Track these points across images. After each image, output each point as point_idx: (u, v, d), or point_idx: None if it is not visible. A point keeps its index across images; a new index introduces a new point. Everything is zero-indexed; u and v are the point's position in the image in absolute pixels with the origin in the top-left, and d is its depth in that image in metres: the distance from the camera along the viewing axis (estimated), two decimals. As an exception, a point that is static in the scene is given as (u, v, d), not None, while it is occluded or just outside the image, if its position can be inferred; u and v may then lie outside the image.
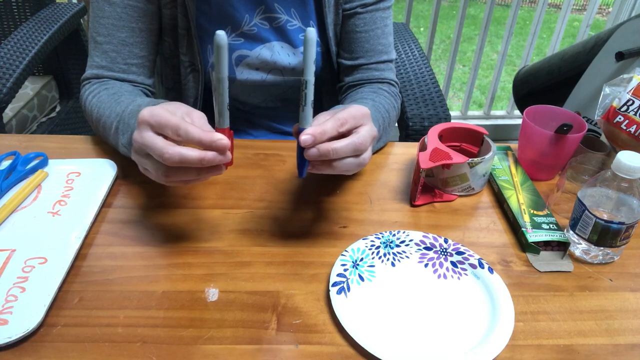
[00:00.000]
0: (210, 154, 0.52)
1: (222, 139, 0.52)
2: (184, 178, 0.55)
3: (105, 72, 0.80)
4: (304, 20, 0.85)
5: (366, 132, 0.58)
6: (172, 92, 0.89)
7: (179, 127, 0.53)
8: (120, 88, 0.77)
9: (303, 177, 0.58)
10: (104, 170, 0.73)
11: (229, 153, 0.54)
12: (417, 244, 0.64)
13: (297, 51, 0.86)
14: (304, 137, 0.53)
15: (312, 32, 0.52)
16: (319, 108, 1.07)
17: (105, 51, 0.79)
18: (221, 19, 0.82)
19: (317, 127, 0.54)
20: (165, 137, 0.54)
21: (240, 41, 0.84)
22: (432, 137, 0.72)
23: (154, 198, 0.71)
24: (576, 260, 0.65)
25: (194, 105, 0.87)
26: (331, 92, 0.99)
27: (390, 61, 0.90)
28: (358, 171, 0.73)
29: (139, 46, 0.80)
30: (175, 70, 0.86)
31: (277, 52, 0.85)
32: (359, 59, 0.88)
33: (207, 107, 0.92)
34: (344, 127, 0.57)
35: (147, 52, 0.82)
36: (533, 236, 0.64)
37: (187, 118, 0.57)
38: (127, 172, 0.76)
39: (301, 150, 0.56)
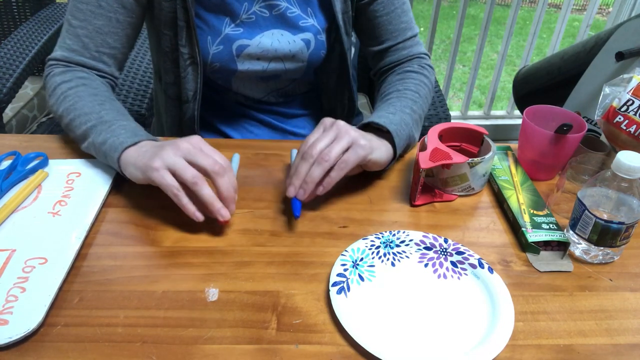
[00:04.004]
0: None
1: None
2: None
3: (75, 56, 0.79)
4: (302, 7, 0.86)
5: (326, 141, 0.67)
6: (173, 86, 0.89)
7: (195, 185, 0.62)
8: (99, 89, 0.77)
9: (297, 217, 0.66)
10: (104, 171, 0.73)
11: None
12: (417, 244, 0.64)
13: (297, 38, 0.87)
14: (290, 188, 0.66)
15: None
16: (318, 109, 1.08)
17: (78, 35, 0.79)
18: (220, 9, 0.82)
19: (296, 178, 0.66)
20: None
21: (239, 31, 0.84)
22: (432, 137, 0.72)
23: (154, 198, 0.71)
24: (576, 260, 0.65)
25: (193, 98, 0.87)
26: (335, 87, 0.99)
27: (415, 36, 0.93)
28: (359, 172, 0.73)
29: (113, 37, 0.80)
30: (176, 64, 0.86)
31: (278, 40, 0.86)
32: (386, 42, 0.91)
33: (205, 100, 0.93)
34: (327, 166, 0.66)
35: (120, 44, 0.82)
36: (533, 236, 0.64)
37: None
38: (127, 172, 0.76)
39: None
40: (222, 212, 0.63)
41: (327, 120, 0.70)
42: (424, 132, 1.04)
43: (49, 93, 0.79)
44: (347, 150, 0.67)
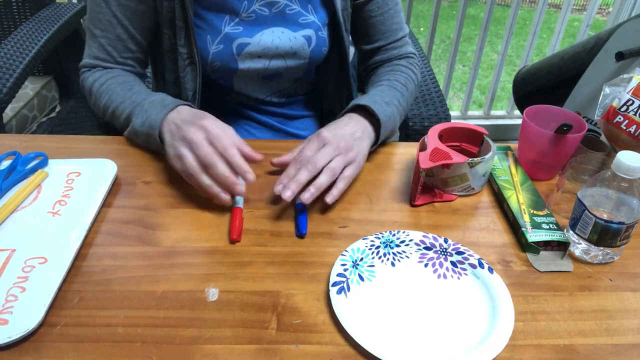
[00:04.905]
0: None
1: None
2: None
3: (102, 63, 0.85)
4: (302, 4, 0.86)
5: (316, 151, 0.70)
6: (174, 86, 0.89)
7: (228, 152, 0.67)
8: (127, 77, 0.84)
9: (304, 234, 0.67)
10: (104, 170, 0.73)
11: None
12: (417, 244, 0.64)
13: (298, 35, 0.87)
14: (287, 193, 0.66)
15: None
16: (319, 110, 1.08)
17: (102, 45, 0.84)
18: (219, 8, 0.82)
19: (293, 182, 0.67)
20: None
21: (239, 29, 0.84)
22: (432, 137, 0.72)
23: (154, 198, 0.71)
24: (576, 260, 0.65)
25: (193, 99, 0.88)
26: (335, 86, 0.99)
27: (405, 36, 0.95)
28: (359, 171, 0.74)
29: (133, 42, 0.85)
30: (175, 64, 0.87)
31: (278, 37, 0.86)
32: (378, 42, 0.93)
33: (206, 101, 0.93)
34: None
35: (140, 48, 0.86)
36: (533, 236, 0.64)
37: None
38: (127, 172, 0.76)
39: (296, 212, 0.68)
40: (221, 197, 0.66)
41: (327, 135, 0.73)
42: (423, 132, 1.04)
43: (87, 95, 0.86)
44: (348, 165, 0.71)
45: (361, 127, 0.77)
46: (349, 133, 0.74)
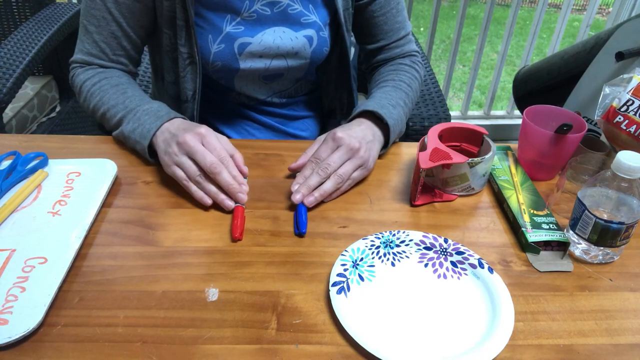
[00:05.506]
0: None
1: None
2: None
3: (94, 60, 0.84)
4: (304, 4, 0.86)
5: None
6: (174, 85, 0.89)
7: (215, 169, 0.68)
8: (120, 79, 0.83)
9: (304, 233, 0.67)
10: (104, 170, 0.73)
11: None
12: (417, 244, 0.64)
13: (300, 35, 0.87)
14: (297, 196, 0.69)
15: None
16: (319, 110, 1.08)
17: (95, 41, 0.83)
18: (220, 7, 0.82)
19: (304, 186, 0.70)
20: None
21: (240, 29, 0.84)
22: (432, 137, 0.72)
23: (154, 198, 0.71)
24: (576, 260, 0.65)
25: (192, 99, 0.87)
26: (335, 86, 0.99)
27: (408, 34, 0.96)
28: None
29: (127, 39, 0.84)
30: (175, 63, 0.87)
31: (280, 37, 0.86)
32: (381, 41, 0.94)
33: (207, 101, 0.93)
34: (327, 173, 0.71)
35: (134, 45, 0.86)
36: (533, 236, 0.64)
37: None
38: (127, 172, 0.76)
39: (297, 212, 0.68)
40: (226, 203, 0.68)
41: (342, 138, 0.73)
42: (423, 132, 1.04)
43: (77, 92, 0.85)
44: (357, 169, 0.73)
45: (371, 131, 0.78)
46: (361, 135, 0.75)
